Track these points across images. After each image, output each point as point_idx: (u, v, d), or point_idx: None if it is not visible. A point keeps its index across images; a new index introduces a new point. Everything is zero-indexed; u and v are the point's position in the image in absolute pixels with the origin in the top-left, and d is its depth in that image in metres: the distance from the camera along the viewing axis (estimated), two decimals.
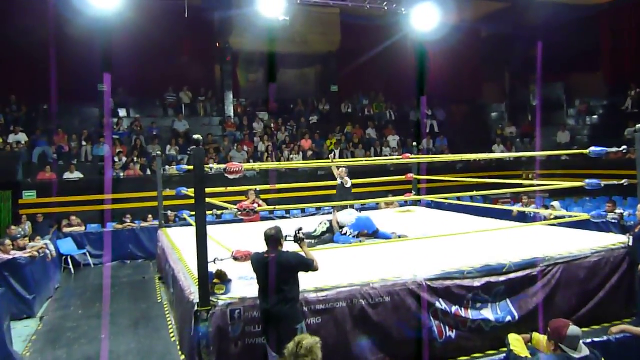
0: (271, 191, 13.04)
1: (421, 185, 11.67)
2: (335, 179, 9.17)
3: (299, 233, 5.12)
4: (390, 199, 12.46)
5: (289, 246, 5.56)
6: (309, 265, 4.88)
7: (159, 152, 11.39)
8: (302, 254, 5.01)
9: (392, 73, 20.58)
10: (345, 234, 8.09)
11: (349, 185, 8.82)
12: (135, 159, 14.99)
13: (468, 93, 21.73)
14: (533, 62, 19.80)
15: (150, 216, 12.72)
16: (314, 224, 8.55)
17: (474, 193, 9.21)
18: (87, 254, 11.77)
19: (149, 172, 14.80)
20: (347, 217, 8.31)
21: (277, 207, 6.75)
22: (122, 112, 17.82)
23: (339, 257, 6.71)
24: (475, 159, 16.30)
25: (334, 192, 9.15)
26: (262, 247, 5.00)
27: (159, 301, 8.46)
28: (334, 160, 9.85)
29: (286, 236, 5.10)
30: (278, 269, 4.70)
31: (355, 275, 5.83)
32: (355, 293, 5.45)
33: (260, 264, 4.81)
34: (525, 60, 20.50)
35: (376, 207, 12.62)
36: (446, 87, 20.40)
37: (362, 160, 13.11)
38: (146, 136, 16.41)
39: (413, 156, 11.42)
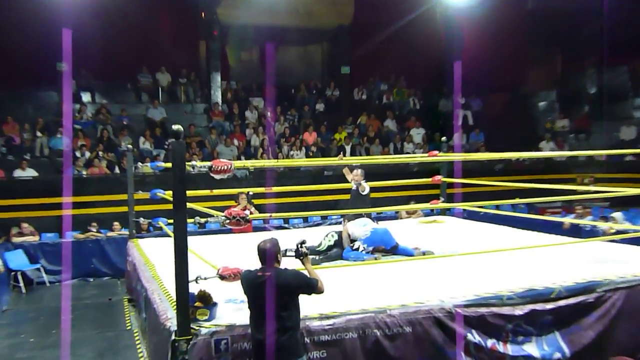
0: (266, 195, 13.06)
1: (451, 190, 11.66)
2: (348, 182, 9.15)
3: (301, 247, 5.12)
4: (414, 206, 12.45)
5: (289, 262, 5.56)
6: (312, 287, 4.89)
7: (129, 146, 11.39)
8: (305, 272, 5.01)
9: (416, 52, 20.59)
10: (357, 249, 8.09)
11: (366, 192, 8.77)
12: (101, 153, 15.06)
13: (510, 78, 21.69)
14: (591, 42, 19.77)
15: (117, 224, 12.75)
16: (319, 236, 8.56)
17: (517, 201, 9.20)
18: (42, 269, 11.81)
19: (117, 170, 14.85)
20: (361, 228, 8.31)
21: (273, 214, 6.73)
22: (86, 97, 17.90)
23: (349, 276, 6.70)
24: (518, 158, 16.24)
25: (346, 197, 9.13)
26: (255, 263, 5.01)
27: (128, 328, 8.47)
28: (344, 159, 9.81)
29: (285, 250, 5.11)
30: (275, 291, 4.70)
31: (368, 299, 5.82)
32: (368, 321, 5.45)
33: (252, 284, 4.82)
34: (582, 39, 20.46)
35: (395, 216, 12.61)
36: (483, 71, 20.35)
37: (378, 159, 13.08)
38: (114, 126, 16.48)
39: (442, 154, 11.38)
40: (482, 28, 19.27)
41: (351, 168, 9.30)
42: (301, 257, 5.14)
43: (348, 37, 20.18)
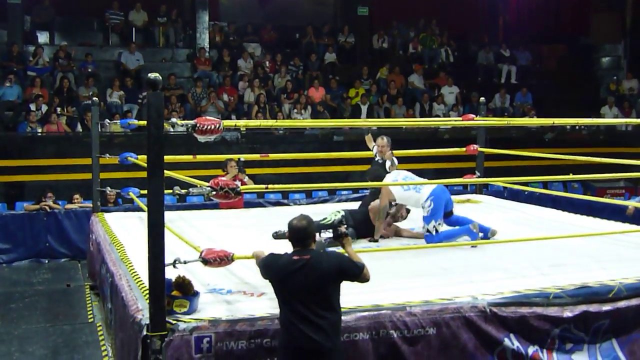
0: (262, 163, 13.06)
1: (490, 163, 11.61)
2: (368, 150, 9.08)
3: (341, 226, 5.12)
4: (444, 181, 12.39)
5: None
6: (357, 272, 4.88)
7: (95, 99, 11.38)
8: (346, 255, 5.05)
9: None
10: (432, 232, 7.90)
11: (393, 168, 8.71)
12: (60, 108, 15.05)
13: (567, 27, 21.54)
14: None
15: (77, 196, 12.76)
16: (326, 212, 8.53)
17: (570, 177, 9.16)
18: None
19: (79, 128, 14.85)
20: (413, 194, 8.04)
21: (270, 186, 6.72)
22: (43, 37, 17.85)
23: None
24: (574, 125, 16.16)
25: (361, 168, 9.08)
26: (246, 245, 5.02)
27: (90, 321, 8.53)
28: (367, 121, 9.74)
29: (320, 230, 5.10)
30: (317, 277, 4.71)
31: (383, 292, 5.83)
32: (383, 320, 5.45)
33: (286, 271, 4.76)
34: None
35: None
36: (534, 17, 20.23)
37: (401, 122, 13.03)
38: (77, 74, 16.46)
39: (479, 118, 11.34)
40: None
41: (373, 134, 9.22)
42: (341, 239, 5.16)
43: None
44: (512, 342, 5.69)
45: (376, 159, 8.93)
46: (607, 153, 12.75)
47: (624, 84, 20.08)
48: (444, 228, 8.00)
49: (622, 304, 6.02)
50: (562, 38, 21.62)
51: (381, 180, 8.15)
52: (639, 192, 12.90)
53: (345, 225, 5.17)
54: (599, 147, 15.85)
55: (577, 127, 17.13)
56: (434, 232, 7.87)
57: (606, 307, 5.96)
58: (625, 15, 22.00)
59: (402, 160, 9.94)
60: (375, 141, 9.09)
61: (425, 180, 8.40)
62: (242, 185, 8.86)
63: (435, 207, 7.90)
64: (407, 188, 8.04)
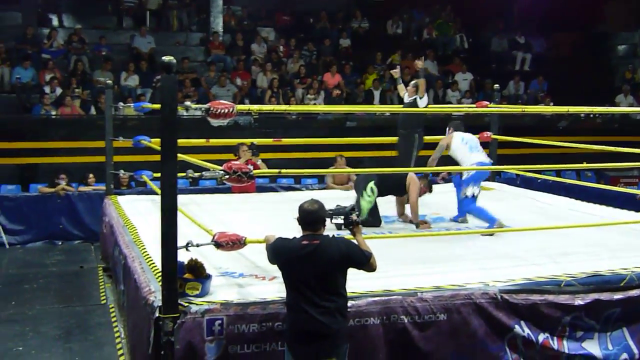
0: (274, 148, 13.05)
1: (503, 150, 11.58)
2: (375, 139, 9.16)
3: (352, 214, 5.11)
4: (456, 168, 12.38)
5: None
6: (365, 260, 4.91)
7: (109, 82, 11.39)
8: (355, 242, 5.06)
9: None
10: (469, 196, 8.14)
11: (424, 104, 8.91)
12: (75, 90, 15.10)
13: (582, 14, 21.35)
14: None
15: (91, 176, 12.81)
16: (340, 200, 8.55)
17: (584, 166, 9.16)
18: (0, 227, 11.95)
19: (93, 111, 14.89)
20: (466, 152, 8.40)
21: (283, 171, 6.72)
22: (56, 21, 17.85)
23: (371, 248, 6.73)
24: (588, 114, 16.08)
25: (372, 154, 9.11)
26: (261, 228, 5.03)
27: (103, 302, 8.58)
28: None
29: (332, 216, 5.11)
30: (325, 262, 4.74)
31: (394, 277, 5.86)
32: (394, 306, 5.49)
33: (294, 255, 4.80)
34: None
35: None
36: (549, 4, 20.07)
37: (414, 109, 12.95)
38: (91, 57, 16.47)
39: (493, 105, 11.30)
40: None
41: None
42: (351, 227, 5.16)
43: None
44: (522, 329, 5.71)
45: (408, 100, 9.27)
46: (621, 142, 12.67)
47: (639, 72, 19.93)
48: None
49: (633, 292, 6.04)
50: (577, 25, 21.45)
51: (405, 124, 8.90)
52: None
53: (357, 213, 5.14)
54: (613, 136, 15.75)
55: (591, 116, 17.04)
56: (470, 196, 8.15)
57: (618, 296, 5.98)
58: None
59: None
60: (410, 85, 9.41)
61: (438, 168, 8.42)
62: (255, 169, 8.90)
63: (480, 172, 8.27)
64: (465, 142, 8.49)
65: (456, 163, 8.63)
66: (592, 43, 21.69)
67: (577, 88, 18.48)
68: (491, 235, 7.80)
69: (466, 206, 8.28)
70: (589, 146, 10.18)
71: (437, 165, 8.66)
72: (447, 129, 9.01)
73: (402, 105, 9.77)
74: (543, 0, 19.54)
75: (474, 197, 8.22)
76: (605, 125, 17.44)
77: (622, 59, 21.57)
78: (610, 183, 14.21)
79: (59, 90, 14.97)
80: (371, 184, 8.17)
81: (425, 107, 9.12)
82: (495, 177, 11.92)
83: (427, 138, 10.42)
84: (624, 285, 6.03)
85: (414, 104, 9.09)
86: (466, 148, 8.48)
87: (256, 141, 10.97)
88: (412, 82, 9.34)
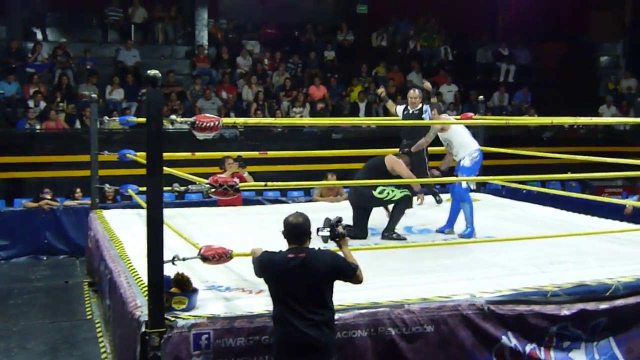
0: (260, 161, 13.06)
1: (488, 161, 11.61)
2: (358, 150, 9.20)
3: (337, 226, 5.11)
4: (440, 179, 12.42)
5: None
6: (351, 273, 4.90)
7: (94, 95, 11.38)
8: (341, 255, 5.05)
9: None
10: (468, 186, 8.38)
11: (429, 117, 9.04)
12: (60, 104, 15.05)
13: (566, 25, 21.51)
14: None
15: (78, 191, 12.77)
16: (330, 214, 8.52)
17: (568, 176, 9.21)
18: None
19: (78, 124, 14.84)
20: (467, 137, 8.49)
21: (269, 184, 6.73)
22: (41, 35, 17.80)
23: (357, 259, 6.74)
24: (572, 124, 16.18)
25: (358, 166, 9.09)
26: (246, 242, 5.03)
27: (89, 317, 8.53)
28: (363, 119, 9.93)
29: (317, 229, 5.10)
30: (312, 275, 4.74)
31: (381, 289, 5.86)
32: (381, 318, 5.49)
33: (281, 268, 4.79)
34: None
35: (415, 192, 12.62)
36: (533, 15, 20.22)
37: (399, 121, 12.99)
38: (76, 71, 16.44)
39: (478, 117, 11.34)
40: None
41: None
42: (337, 239, 5.14)
43: None
44: (509, 340, 5.72)
45: (410, 112, 9.46)
46: (605, 152, 12.79)
47: (622, 82, 20.08)
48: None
49: (619, 302, 6.06)
50: (562, 36, 21.60)
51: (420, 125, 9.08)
52: (636, 190, 12.92)
53: (344, 225, 5.12)
54: (597, 146, 15.86)
55: (575, 126, 17.15)
56: (465, 186, 8.32)
57: (603, 305, 6.00)
58: (624, 14, 22.00)
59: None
60: (407, 96, 9.68)
61: (422, 180, 8.44)
62: (242, 181, 8.88)
63: (477, 162, 8.39)
64: (464, 126, 8.61)
65: (448, 145, 8.66)
66: (575, 54, 21.83)
67: (561, 99, 18.62)
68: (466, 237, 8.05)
69: (464, 194, 8.35)
70: (573, 156, 10.24)
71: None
72: (429, 109, 9.08)
73: (400, 117, 9.85)
74: (527, 11, 19.66)
75: (469, 188, 8.37)
76: (589, 136, 17.55)
77: (605, 70, 21.73)
78: (594, 193, 14.28)
79: (43, 104, 14.92)
80: (376, 192, 8.10)
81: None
82: (481, 188, 11.95)
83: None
84: (609, 294, 6.05)
85: (419, 114, 9.30)
86: (467, 132, 8.56)
87: (242, 154, 10.99)
88: (412, 92, 9.57)
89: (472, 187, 8.47)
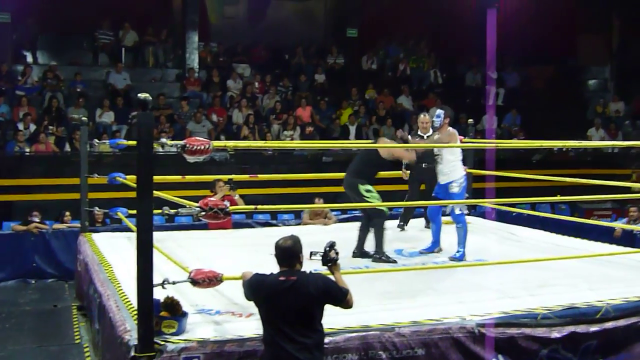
0: (251, 184, 13.06)
1: (478, 184, 11.66)
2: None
3: (330, 251, 5.10)
4: (430, 203, 12.45)
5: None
6: (341, 296, 4.90)
7: (84, 119, 11.39)
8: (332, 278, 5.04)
9: (441, 14, 20.55)
10: (462, 211, 8.46)
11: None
12: (50, 127, 15.04)
13: (555, 49, 21.68)
14: None
15: (67, 214, 12.74)
16: (321, 236, 8.53)
17: (558, 199, 9.25)
18: None
19: (68, 147, 14.82)
20: (457, 162, 8.57)
21: (259, 207, 6.74)
22: (31, 57, 17.82)
23: (349, 281, 6.74)
24: (561, 148, 16.26)
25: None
26: (237, 265, 5.03)
27: (77, 342, 8.48)
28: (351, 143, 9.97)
29: (311, 253, 5.09)
30: (303, 298, 4.73)
31: (372, 312, 5.86)
32: (372, 341, 5.48)
33: (273, 291, 4.78)
34: None
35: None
36: (522, 40, 20.33)
37: (390, 145, 13.04)
38: (66, 94, 16.45)
39: (467, 140, 11.39)
40: None
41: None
42: (329, 264, 5.11)
43: None
44: None
45: (425, 137, 9.58)
46: (594, 174, 12.85)
47: (610, 106, 20.22)
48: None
49: (609, 324, 6.08)
50: (550, 60, 21.75)
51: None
52: (625, 213, 12.95)
53: (335, 251, 5.11)
54: (586, 169, 15.93)
55: (564, 149, 17.24)
56: (458, 211, 8.46)
57: (594, 328, 6.02)
58: (612, 38, 22.21)
59: (389, 181, 10.03)
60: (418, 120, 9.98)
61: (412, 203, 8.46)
62: (233, 204, 8.87)
63: (465, 187, 8.58)
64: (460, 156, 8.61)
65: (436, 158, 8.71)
66: (564, 77, 21.99)
67: (550, 121, 18.71)
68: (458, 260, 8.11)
69: (460, 217, 8.44)
70: (562, 179, 10.29)
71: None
72: (443, 116, 8.83)
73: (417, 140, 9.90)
74: (516, 35, 19.76)
75: (464, 212, 8.53)
76: (578, 158, 17.63)
77: (593, 93, 21.90)
78: (584, 216, 14.32)
79: (33, 127, 14.90)
80: (362, 187, 8.18)
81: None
82: (471, 210, 11.97)
83: (399, 173, 10.52)
84: (599, 317, 6.08)
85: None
86: (460, 156, 8.63)
87: (232, 177, 11.00)
88: (423, 116, 9.85)
89: (466, 211, 8.53)
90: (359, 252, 8.38)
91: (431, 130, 9.54)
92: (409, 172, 9.96)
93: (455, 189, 8.38)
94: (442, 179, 8.47)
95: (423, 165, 9.63)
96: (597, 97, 21.18)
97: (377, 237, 8.23)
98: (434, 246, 8.76)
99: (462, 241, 8.31)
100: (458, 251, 8.29)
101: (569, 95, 21.44)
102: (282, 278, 4.80)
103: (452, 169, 8.44)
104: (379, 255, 8.16)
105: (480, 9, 20.05)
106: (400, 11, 20.19)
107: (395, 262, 8.18)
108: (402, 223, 10.35)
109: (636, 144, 16.80)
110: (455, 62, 21.29)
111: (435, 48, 20.92)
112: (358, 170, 8.34)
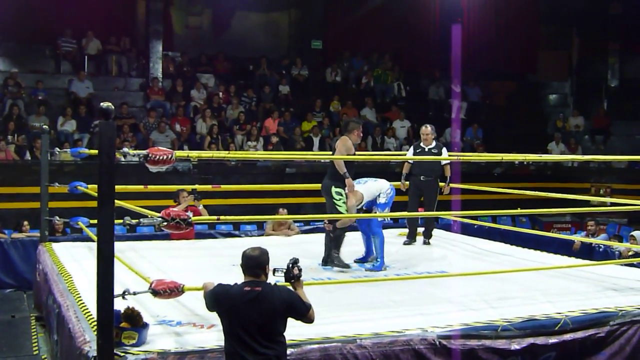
0: (214, 194, 13.02)
1: (440, 196, 11.75)
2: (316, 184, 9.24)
3: (294, 267, 5.08)
4: (392, 214, 12.51)
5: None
6: (304, 311, 4.90)
7: (45, 127, 11.27)
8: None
9: (405, 27, 20.71)
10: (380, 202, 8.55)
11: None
12: (10, 136, 14.85)
13: (516, 64, 21.98)
14: (615, 24, 20.08)
15: (26, 223, 12.60)
16: (282, 251, 8.53)
17: (518, 212, 9.32)
18: None
19: (28, 156, 14.65)
20: (373, 184, 8.66)
21: (221, 218, 6.72)
22: None
23: (307, 293, 6.74)
24: (521, 161, 16.45)
25: (311, 200, 9.20)
26: (199, 275, 5.00)
27: (35, 353, 8.37)
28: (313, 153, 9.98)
29: (274, 270, 5.07)
30: (267, 310, 4.71)
31: (333, 324, 5.85)
32: (333, 353, 5.47)
33: (236, 302, 4.75)
34: (605, 21, 20.78)
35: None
36: (484, 54, 20.59)
37: (353, 157, 13.11)
38: (27, 101, 16.26)
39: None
40: (486, 1, 19.47)
41: None
42: (292, 280, 5.08)
43: (322, 3, 20.21)
44: None
45: (426, 150, 9.81)
46: (554, 188, 13.03)
47: (570, 120, 20.51)
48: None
49: (568, 336, 6.13)
50: (511, 75, 22.05)
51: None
52: (584, 226, 13.15)
53: (298, 267, 5.11)
54: (546, 182, 16.16)
55: (525, 163, 17.45)
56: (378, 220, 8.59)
57: (553, 340, 6.07)
58: (571, 54, 22.58)
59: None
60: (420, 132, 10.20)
61: (371, 214, 8.53)
62: (196, 214, 8.83)
63: (392, 197, 8.63)
64: (364, 182, 8.66)
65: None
66: (525, 92, 22.29)
67: (511, 135, 18.95)
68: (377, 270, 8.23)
69: (377, 226, 8.52)
70: (523, 192, 10.41)
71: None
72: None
73: (414, 154, 10.14)
74: (478, 50, 19.99)
75: (382, 222, 8.72)
76: (539, 172, 17.88)
77: (553, 108, 22.22)
78: (544, 229, 14.51)
79: None
80: (334, 189, 8.24)
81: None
82: (434, 223, 12.05)
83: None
84: (558, 329, 6.13)
85: (438, 152, 9.75)
86: (370, 182, 8.75)
87: (196, 187, 10.96)
88: (425, 128, 9.98)
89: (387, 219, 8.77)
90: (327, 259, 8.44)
91: (434, 143, 9.84)
92: (407, 182, 10.01)
93: (382, 199, 8.54)
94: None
95: (421, 178, 9.81)
96: (557, 112, 21.49)
97: (334, 240, 8.31)
98: (368, 256, 8.78)
99: (380, 252, 8.40)
100: (377, 260, 8.40)
101: (529, 110, 21.74)
102: (247, 288, 4.78)
103: (377, 179, 8.71)
104: (333, 259, 8.23)
105: (443, 24, 20.34)
106: (364, 24, 20.32)
107: (348, 266, 8.28)
108: (408, 240, 10.34)
109: (595, 158, 17.06)
110: (419, 76, 21.45)
111: (398, 61, 21.08)
112: (331, 173, 8.41)
